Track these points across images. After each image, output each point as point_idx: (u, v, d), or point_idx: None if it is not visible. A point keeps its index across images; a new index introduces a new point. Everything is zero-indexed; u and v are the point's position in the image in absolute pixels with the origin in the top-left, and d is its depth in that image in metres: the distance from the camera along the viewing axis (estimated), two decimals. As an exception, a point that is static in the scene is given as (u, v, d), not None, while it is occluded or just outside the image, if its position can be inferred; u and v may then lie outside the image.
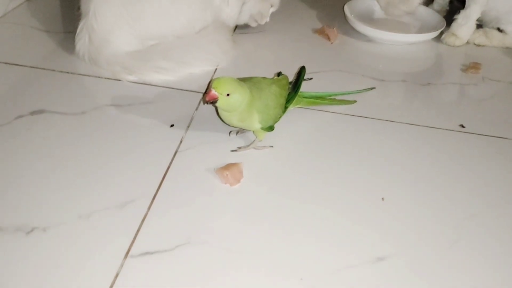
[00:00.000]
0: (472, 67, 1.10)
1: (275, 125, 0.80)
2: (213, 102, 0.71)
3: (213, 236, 0.66)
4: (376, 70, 1.07)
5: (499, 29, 1.21)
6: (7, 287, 0.58)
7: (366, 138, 0.86)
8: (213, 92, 0.70)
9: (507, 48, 1.21)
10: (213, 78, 0.98)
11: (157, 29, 0.97)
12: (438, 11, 1.29)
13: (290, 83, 0.84)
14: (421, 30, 1.23)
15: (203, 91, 0.94)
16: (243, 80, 0.76)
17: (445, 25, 1.21)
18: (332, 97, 0.92)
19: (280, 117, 0.80)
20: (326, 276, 0.62)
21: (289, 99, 0.81)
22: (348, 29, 1.22)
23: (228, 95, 0.71)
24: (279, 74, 0.85)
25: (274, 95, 0.77)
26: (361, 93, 0.96)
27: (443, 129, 0.90)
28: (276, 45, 1.15)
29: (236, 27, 1.17)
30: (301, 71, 0.86)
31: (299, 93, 0.84)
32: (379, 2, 1.24)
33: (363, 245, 0.66)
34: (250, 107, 0.74)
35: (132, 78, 0.95)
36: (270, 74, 0.93)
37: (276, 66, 1.03)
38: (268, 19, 1.15)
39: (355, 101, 0.94)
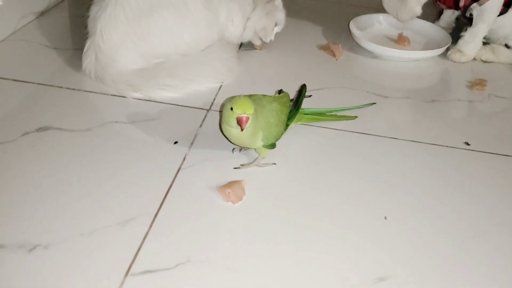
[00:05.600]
0: (478, 83, 1.10)
1: (277, 143, 0.80)
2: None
3: (214, 255, 0.66)
4: (380, 86, 1.07)
5: (506, 46, 1.21)
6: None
7: (369, 156, 0.86)
8: (245, 116, 0.71)
9: (513, 64, 1.21)
10: (223, 97, 0.99)
11: (162, 47, 0.98)
12: (444, 28, 1.29)
13: (291, 100, 0.85)
14: (427, 46, 1.23)
15: (208, 108, 0.95)
16: None
17: (450, 41, 1.21)
18: (332, 113, 0.93)
19: (281, 134, 0.80)
20: (327, 296, 0.62)
21: (290, 117, 0.82)
22: (353, 46, 1.23)
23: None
24: (280, 91, 0.85)
25: (275, 112, 0.77)
26: (364, 110, 0.97)
27: (447, 146, 0.89)
28: (281, 62, 1.15)
29: (241, 44, 1.18)
30: (302, 88, 0.86)
31: (300, 110, 0.84)
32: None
33: (364, 264, 0.66)
34: (254, 124, 0.74)
35: (137, 95, 0.96)
36: (275, 90, 0.94)
37: (280, 82, 1.04)
38: (272, 38, 1.16)
39: (356, 117, 0.94)
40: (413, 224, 0.73)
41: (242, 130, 0.72)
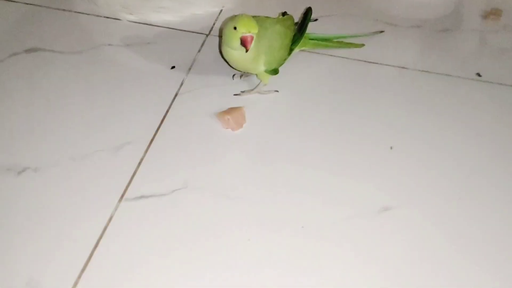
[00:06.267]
0: (493, 13, 1.04)
1: (280, 69, 0.76)
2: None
3: (211, 182, 0.63)
4: (390, 15, 1.01)
5: (523, -26, 1.14)
6: (-3, 227, 0.56)
7: (376, 85, 0.82)
8: (249, 35, 0.66)
9: (531, -6, 1.14)
10: (221, 18, 0.94)
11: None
12: (459, -46, 1.21)
13: (296, 24, 0.80)
14: (440, -27, 1.16)
15: (207, 32, 0.89)
16: None
17: (466, -32, 1.14)
18: (339, 39, 0.87)
19: (285, 59, 0.76)
20: (328, 225, 0.59)
21: (294, 41, 0.77)
22: (362, -28, 1.16)
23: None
24: (284, 13, 0.80)
25: (278, 35, 0.72)
26: (372, 38, 0.91)
27: (458, 77, 0.85)
28: (285, -13, 1.09)
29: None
30: (308, 12, 0.81)
31: (305, 35, 0.79)
32: None
33: (368, 194, 0.64)
34: (256, 47, 0.70)
35: (132, 17, 0.90)
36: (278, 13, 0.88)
37: (284, 8, 0.98)
38: None
39: (363, 45, 0.89)
40: (419, 155, 0.70)
41: (246, 50, 0.67)
